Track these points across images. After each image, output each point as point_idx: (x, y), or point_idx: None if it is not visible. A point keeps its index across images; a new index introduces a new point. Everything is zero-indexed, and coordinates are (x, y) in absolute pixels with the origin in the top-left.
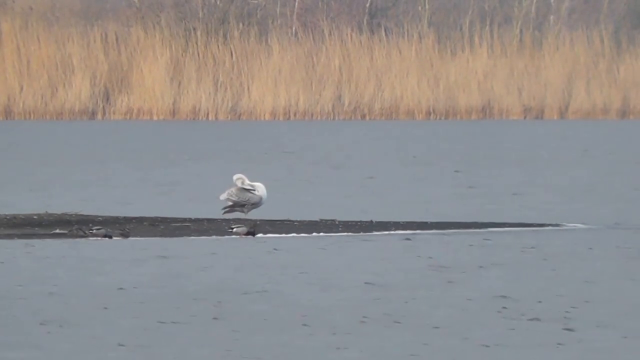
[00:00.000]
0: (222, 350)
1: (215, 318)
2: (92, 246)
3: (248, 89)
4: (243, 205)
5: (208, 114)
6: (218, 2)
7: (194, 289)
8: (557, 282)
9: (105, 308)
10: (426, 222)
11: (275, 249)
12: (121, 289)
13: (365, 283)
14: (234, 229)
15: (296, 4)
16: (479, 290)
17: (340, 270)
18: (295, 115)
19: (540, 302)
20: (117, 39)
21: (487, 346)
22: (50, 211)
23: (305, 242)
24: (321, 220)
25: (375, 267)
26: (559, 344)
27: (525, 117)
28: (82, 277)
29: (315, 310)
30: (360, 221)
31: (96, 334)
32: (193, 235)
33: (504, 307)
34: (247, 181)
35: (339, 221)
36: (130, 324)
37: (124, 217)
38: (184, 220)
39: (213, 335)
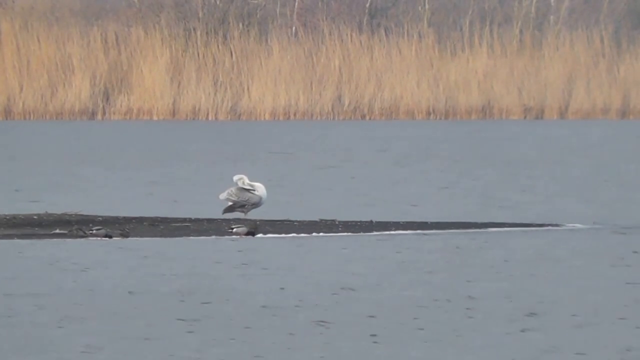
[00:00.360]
0: (175, 351)
1: (179, 319)
2: (73, 247)
3: (248, 89)
4: (243, 205)
5: (208, 114)
6: (218, 2)
7: (169, 291)
8: (528, 283)
9: (77, 310)
10: (426, 222)
11: (264, 249)
12: (91, 290)
13: (341, 285)
14: (234, 229)
15: (296, 4)
16: (448, 290)
17: (322, 271)
18: (295, 115)
19: (508, 301)
20: (117, 39)
21: (439, 341)
22: (50, 211)
23: (299, 243)
24: (321, 220)
25: (355, 268)
26: (516, 343)
27: (525, 117)
28: (59, 278)
29: (282, 311)
30: (360, 221)
31: (58, 334)
32: (193, 235)
33: (468, 308)
34: (247, 181)
35: (339, 221)
36: (96, 327)
37: (124, 217)
38: (184, 220)
39: (173, 336)
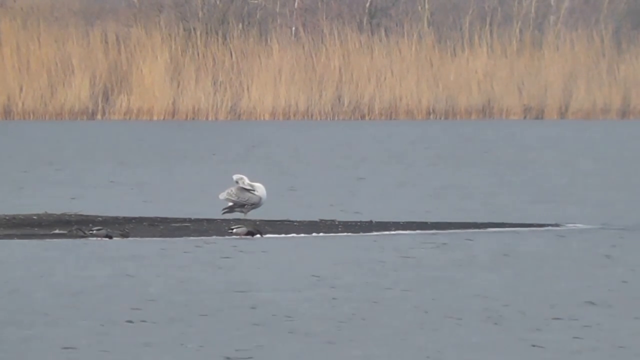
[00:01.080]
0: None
1: (127, 321)
2: (57, 247)
3: (248, 89)
4: (243, 205)
5: (208, 114)
6: (218, 2)
7: (144, 291)
8: (495, 283)
9: (54, 310)
10: (426, 222)
11: (241, 250)
12: (48, 289)
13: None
14: (234, 230)
15: (296, 4)
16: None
17: (304, 272)
18: (295, 115)
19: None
20: (117, 39)
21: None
22: (50, 211)
23: (288, 242)
24: (321, 220)
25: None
26: (426, 337)
27: (525, 117)
28: (41, 277)
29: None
30: (360, 221)
31: (37, 335)
32: (192, 236)
33: (416, 306)
34: (247, 181)
35: (339, 221)
36: (66, 328)
37: (124, 217)
38: (184, 220)
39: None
